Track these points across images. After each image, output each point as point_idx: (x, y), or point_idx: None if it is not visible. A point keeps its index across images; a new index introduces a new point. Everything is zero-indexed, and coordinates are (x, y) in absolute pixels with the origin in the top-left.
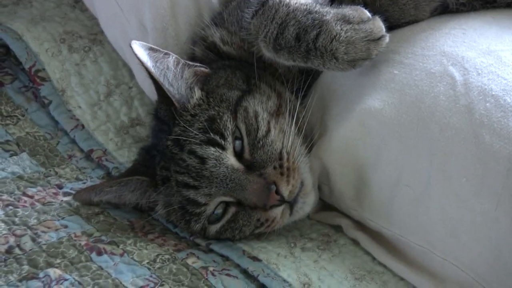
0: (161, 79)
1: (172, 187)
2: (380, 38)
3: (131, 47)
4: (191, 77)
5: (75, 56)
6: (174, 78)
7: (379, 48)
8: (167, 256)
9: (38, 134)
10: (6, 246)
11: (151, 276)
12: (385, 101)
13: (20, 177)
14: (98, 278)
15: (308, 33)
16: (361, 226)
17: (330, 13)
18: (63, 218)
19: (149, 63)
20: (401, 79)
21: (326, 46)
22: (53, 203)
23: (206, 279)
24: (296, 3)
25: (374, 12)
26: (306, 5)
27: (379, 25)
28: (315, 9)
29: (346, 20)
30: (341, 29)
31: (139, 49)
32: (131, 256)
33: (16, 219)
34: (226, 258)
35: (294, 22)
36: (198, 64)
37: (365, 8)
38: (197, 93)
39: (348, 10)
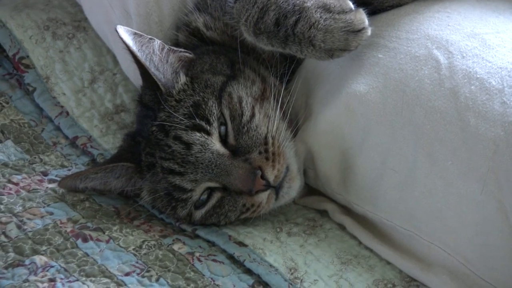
0: (147, 63)
1: (157, 174)
2: (360, 31)
3: (116, 31)
4: (176, 62)
5: (59, 43)
6: (160, 62)
7: (358, 41)
8: (153, 242)
9: (23, 121)
10: None
11: (137, 262)
12: (370, 85)
13: (5, 165)
14: (84, 265)
15: (288, 18)
16: (347, 210)
17: (311, 0)
18: (48, 205)
19: (134, 47)
20: (385, 63)
21: (304, 33)
22: (38, 190)
23: (192, 264)
24: None
25: None
26: None
27: (361, 17)
28: None
29: (326, 9)
30: (320, 17)
31: (125, 33)
32: (117, 243)
33: (1, 207)
34: (212, 244)
35: (275, 7)
36: (183, 50)
37: None
38: (182, 78)
39: None
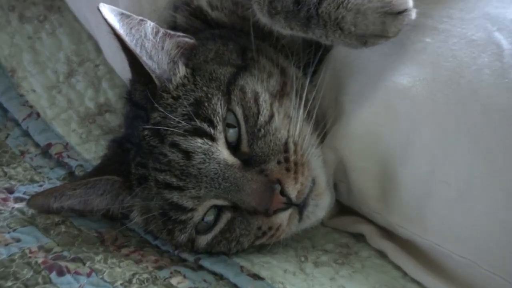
0: (137, 50)
1: (150, 189)
2: (401, 13)
3: (99, 10)
4: (174, 49)
5: (27, 28)
6: (153, 49)
7: (398, 25)
8: (145, 275)
9: None
10: None
11: None
12: (416, 76)
13: None
14: None
15: None
16: (388, 233)
17: None
18: (14, 230)
19: (121, 30)
20: (435, 49)
21: (330, 14)
22: (2, 211)
23: None
24: None
25: None
26: None
27: None
28: None
29: None
30: None
31: (109, 14)
32: (100, 276)
33: None
34: (219, 277)
35: None
36: (182, 34)
37: None
38: (181, 69)
39: None
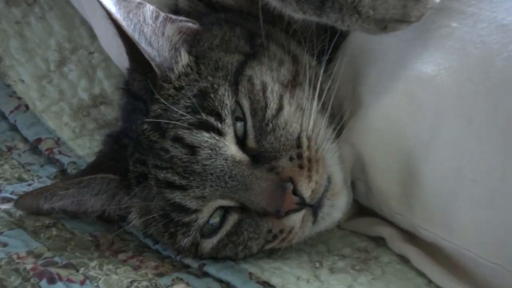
0: (135, 36)
1: (150, 188)
2: None
3: None
4: (176, 35)
5: (15, 12)
6: (153, 34)
7: (421, 9)
8: (145, 283)
9: None
10: None
11: None
12: (441, 64)
13: None
14: None
15: None
16: (411, 237)
17: None
18: (1, 233)
19: (118, 14)
20: (461, 34)
21: None
22: None
23: None
24: None
25: None
26: None
27: None
28: None
29: None
30: None
31: None
32: (95, 284)
33: None
34: (226, 284)
35: None
36: (184, 18)
37: None
38: (184, 57)
39: None
